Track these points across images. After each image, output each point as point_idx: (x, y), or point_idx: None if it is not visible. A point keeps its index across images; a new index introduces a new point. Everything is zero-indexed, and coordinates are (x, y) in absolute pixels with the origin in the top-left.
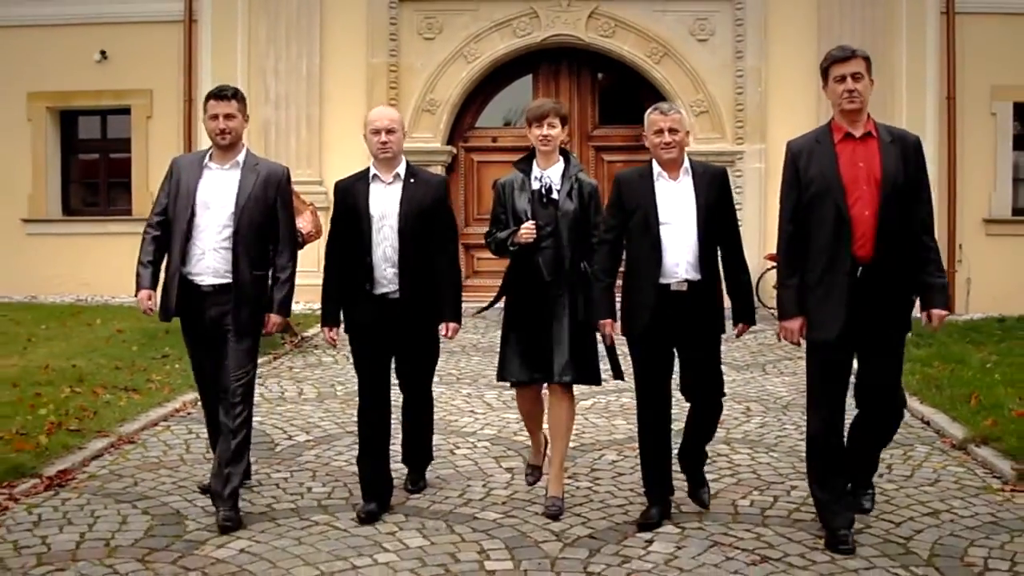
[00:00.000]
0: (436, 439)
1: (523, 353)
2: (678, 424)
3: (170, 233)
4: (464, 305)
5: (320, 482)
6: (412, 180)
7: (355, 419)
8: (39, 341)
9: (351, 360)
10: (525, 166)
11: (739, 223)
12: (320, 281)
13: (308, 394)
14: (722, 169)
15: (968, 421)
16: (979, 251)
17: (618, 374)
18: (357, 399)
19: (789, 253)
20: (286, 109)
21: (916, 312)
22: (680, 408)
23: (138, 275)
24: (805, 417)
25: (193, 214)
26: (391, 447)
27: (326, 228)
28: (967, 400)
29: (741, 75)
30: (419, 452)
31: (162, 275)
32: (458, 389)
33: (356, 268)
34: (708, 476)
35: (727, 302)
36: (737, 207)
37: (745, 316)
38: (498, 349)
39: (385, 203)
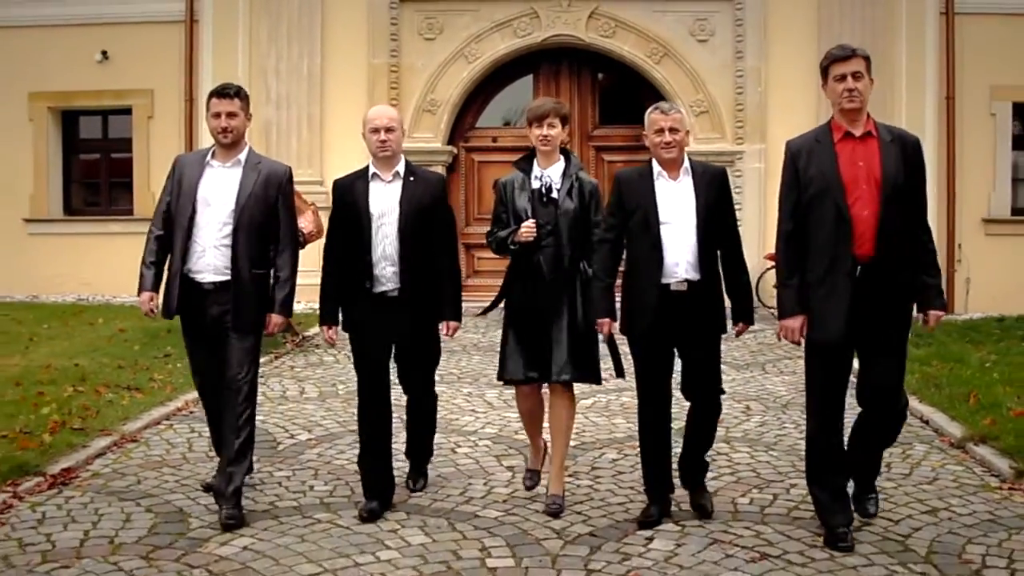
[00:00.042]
0: (437, 438)
1: (523, 352)
2: (678, 423)
3: (173, 231)
4: (464, 304)
5: (322, 480)
6: (412, 178)
7: (357, 418)
8: (41, 340)
9: (352, 359)
10: (526, 165)
11: (739, 223)
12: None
13: (310, 393)
14: (722, 169)
15: (967, 420)
16: (978, 251)
17: (620, 372)
18: (356, 398)
19: (789, 252)
20: (287, 109)
21: (914, 312)
22: (680, 407)
23: (141, 276)
24: (804, 416)
25: (194, 211)
26: (393, 444)
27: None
28: (966, 399)
29: (741, 75)
30: (421, 450)
31: (165, 273)
32: (459, 388)
33: (355, 267)
34: (708, 474)
35: (727, 302)
36: (737, 207)
37: (744, 316)
38: (498, 348)
39: (385, 202)
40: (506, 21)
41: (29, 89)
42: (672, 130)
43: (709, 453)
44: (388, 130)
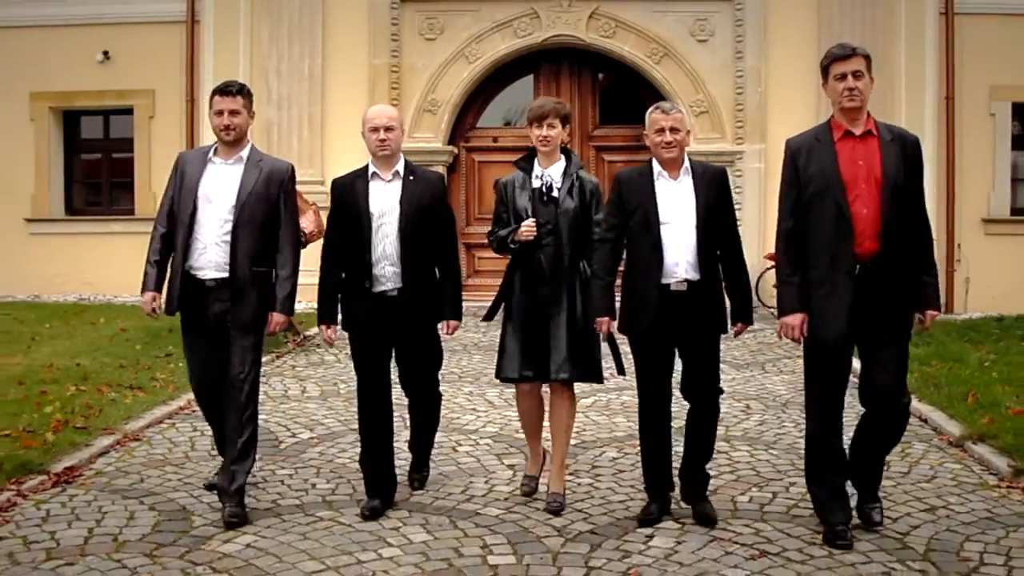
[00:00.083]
0: (438, 436)
1: (521, 351)
2: (678, 422)
3: (175, 228)
4: (465, 304)
5: (324, 479)
6: (411, 178)
7: (357, 417)
8: (43, 340)
9: (351, 359)
10: (526, 165)
11: (739, 223)
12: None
13: (311, 392)
14: (722, 169)
15: (965, 419)
16: (978, 251)
17: (621, 370)
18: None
19: (789, 250)
20: (288, 109)
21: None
22: (680, 406)
23: (145, 274)
24: (804, 415)
25: (195, 208)
26: (395, 443)
27: None
28: (964, 398)
29: (741, 75)
30: (424, 444)
31: (169, 270)
32: (460, 387)
33: (355, 266)
34: (708, 472)
35: (727, 302)
36: (737, 207)
37: (743, 316)
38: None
39: (385, 201)
40: (507, 21)
41: (30, 89)
42: (673, 130)
43: (711, 475)
44: (388, 129)
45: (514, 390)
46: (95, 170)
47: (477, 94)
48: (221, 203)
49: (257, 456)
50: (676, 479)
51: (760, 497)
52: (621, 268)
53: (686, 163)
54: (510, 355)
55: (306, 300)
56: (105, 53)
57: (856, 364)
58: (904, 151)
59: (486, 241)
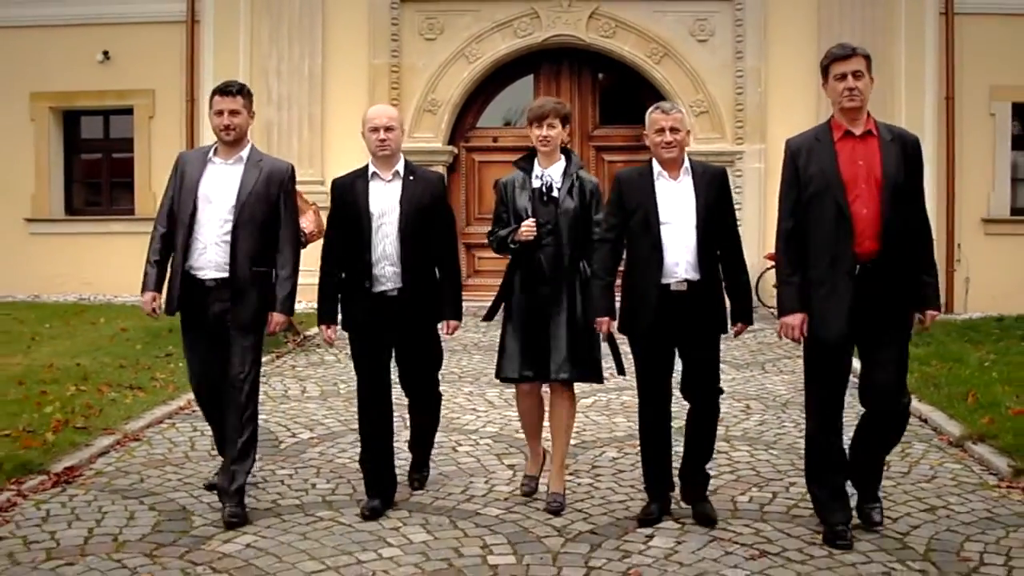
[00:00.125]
0: (438, 436)
1: (520, 351)
2: (678, 422)
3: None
4: (465, 304)
5: (324, 479)
6: (411, 178)
7: (357, 417)
8: (43, 340)
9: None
10: (526, 165)
11: (739, 223)
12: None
13: (311, 392)
14: (722, 169)
15: (965, 419)
16: (977, 251)
17: (621, 370)
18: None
19: (789, 250)
20: (288, 109)
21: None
22: (680, 406)
23: (145, 274)
24: (804, 415)
25: (195, 208)
26: (395, 443)
27: None
28: (964, 398)
29: (741, 75)
30: (424, 444)
31: (169, 270)
32: (460, 387)
33: (354, 266)
34: (708, 472)
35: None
36: (737, 207)
37: (743, 316)
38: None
39: (385, 201)
40: (507, 21)
41: (31, 89)
42: (673, 130)
43: (711, 476)
44: (388, 129)
45: (514, 390)
46: (95, 170)
47: (477, 94)
48: (221, 203)
49: (257, 456)
50: (676, 479)
51: (760, 497)
52: (621, 268)
53: (686, 163)
54: (510, 355)
55: (306, 300)
56: (105, 53)
57: (856, 364)
58: (904, 151)
59: (486, 241)
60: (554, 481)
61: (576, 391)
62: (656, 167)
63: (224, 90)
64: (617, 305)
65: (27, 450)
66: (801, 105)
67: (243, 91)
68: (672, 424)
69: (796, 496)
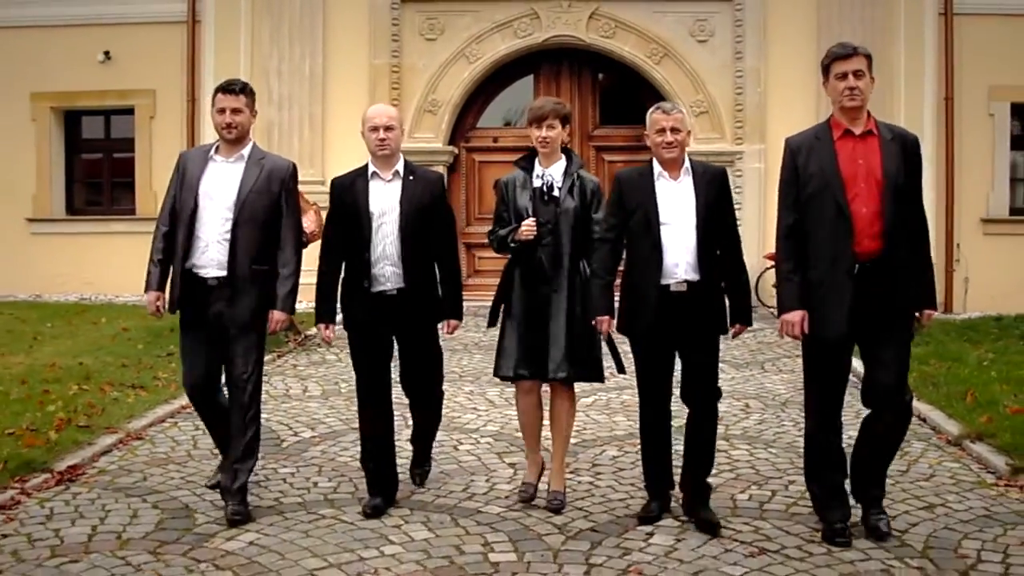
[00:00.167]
0: (439, 435)
1: (518, 350)
2: (678, 420)
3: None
4: (465, 304)
5: (326, 477)
6: (411, 177)
7: (358, 417)
8: (45, 339)
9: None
10: (527, 164)
11: (739, 223)
12: None
13: (313, 391)
14: (722, 169)
15: (964, 418)
16: (977, 250)
17: (621, 369)
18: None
19: (789, 247)
20: (289, 110)
21: None
22: (681, 405)
23: (148, 274)
24: (803, 414)
25: (196, 206)
26: (396, 441)
27: None
28: (963, 397)
29: (740, 75)
30: (425, 439)
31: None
32: (461, 386)
33: (354, 265)
34: (709, 484)
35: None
36: (737, 207)
37: (742, 316)
38: None
39: (385, 200)
40: (507, 22)
41: (32, 89)
42: (674, 130)
43: (713, 487)
44: (387, 128)
45: (515, 389)
46: (96, 170)
47: (477, 94)
48: (221, 201)
49: (260, 454)
50: (678, 489)
51: (759, 495)
52: (621, 268)
53: (686, 163)
54: (507, 354)
55: (307, 300)
56: (106, 53)
57: (856, 364)
58: (904, 150)
59: (486, 241)
60: (554, 479)
61: (576, 390)
62: (657, 167)
63: (227, 88)
64: (616, 305)
65: (30, 448)
66: (801, 105)
67: (246, 90)
68: (672, 423)
69: (795, 494)
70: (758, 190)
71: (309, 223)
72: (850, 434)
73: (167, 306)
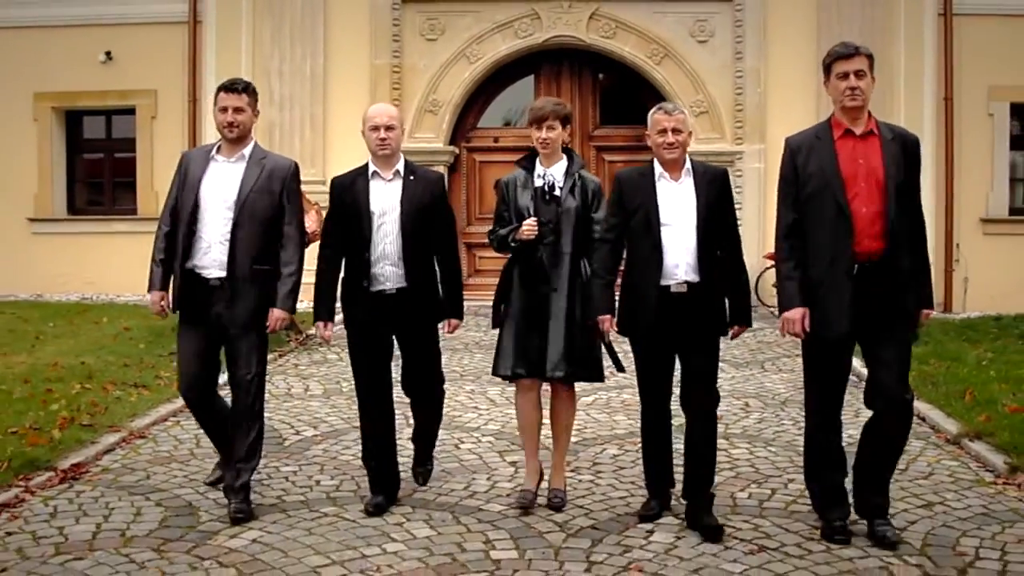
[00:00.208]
0: (441, 434)
1: (516, 348)
2: (679, 419)
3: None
4: (465, 303)
5: (328, 475)
6: (412, 177)
7: (359, 416)
8: (47, 339)
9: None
10: (528, 164)
11: (739, 223)
12: None
13: (314, 390)
14: (723, 170)
15: (962, 416)
16: (976, 250)
17: (619, 367)
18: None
19: (789, 245)
20: (290, 110)
21: None
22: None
23: (151, 273)
24: (802, 413)
25: (197, 206)
26: (397, 439)
27: None
28: (962, 396)
29: (740, 76)
30: (427, 437)
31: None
32: (461, 385)
33: (353, 265)
34: (713, 493)
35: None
36: (736, 207)
37: (741, 318)
38: None
39: (386, 200)
40: (507, 22)
41: (34, 89)
42: (675, 131)
43: (716, 495)
44: (388, 128)
45: (515, 388)
46: (97, 170)
47: (478, 94)
48: (222, 201)
49: (262, 453)
50: (678, 485)
51: (759, 493)
52: (621, 268)
53: (687, 164)
54: (504, 352)
55: (307, 299)
56: (107, 53)
57: (856, 364)
58: (905, 150)
59: (487, 240)
60: (555, 477)
61: (576, 389)
62: (658, 168)
63: (229, 87)
64: (616, 305)
65: (34, 447)
66: (800, 105)
67: (248, 89)
68: (673, 422)
69: (794, 492)
70: (758, 190)
71: (311, 223)
72: (850, 432)
73: (171, 305)
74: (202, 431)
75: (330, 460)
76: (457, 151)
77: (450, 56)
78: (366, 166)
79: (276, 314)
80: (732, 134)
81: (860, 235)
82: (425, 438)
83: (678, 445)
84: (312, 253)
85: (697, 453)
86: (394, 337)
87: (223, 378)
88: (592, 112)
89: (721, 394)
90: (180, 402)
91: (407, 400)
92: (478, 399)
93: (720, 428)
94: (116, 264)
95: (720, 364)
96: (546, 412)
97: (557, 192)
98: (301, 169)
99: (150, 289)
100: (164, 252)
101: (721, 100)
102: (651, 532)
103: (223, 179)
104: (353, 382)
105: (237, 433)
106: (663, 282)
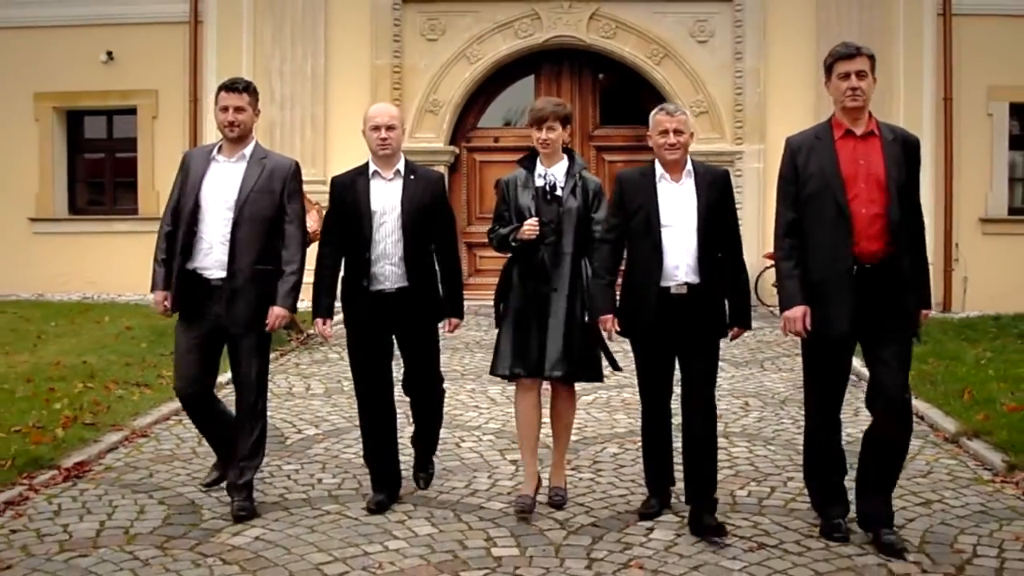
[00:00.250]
0: (442, 433)
1: (514, 348)
2: (678, 418)
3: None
4: (465, 303)
5: (330, 473)
6: (412, 177)
7: (359, 416)
8: (49, 338)
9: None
10: (529, 163)
11: (739, 223)
12: None
13: (316, 389)
14: (724, 171)
15: (961, 415)
16: (975, 250)
17: (615, 366)
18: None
19: (789, 244)
20: (291, 110)
21: None
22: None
23: (154, 273)
24: (802, 412)
25: (197, 206)
26: (399, 438)
27: None
28: (960, 395)
29: (740, 76)
30: (428, 440)
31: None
32: (462, 384)
33: (354, 264)
34: (716, 499)
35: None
36: (736, 207)
37: (741, 319)
38: None
39: (386, 200)
40: (508, 22)
41: (34, 89)
42: (677, 132)
43: (719, 500)
44: (389, 128)
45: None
46: (99, 170)
47: (478, 94)
48: (223, 201)
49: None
50: (678, 483)
51: (758, 492)
52: (622, 268)
53: (688, 165)
54: (503, 352)
55: (308, 299)
56: (109, 53)
57: (856, 364)
58: (905, 151)
59: (487, 240)
60: (555, 475)
61: (577, 388)
62: (659, 168)
63: (230, 86)
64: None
65: (37, 446)
66: (800, 105)
67: (249, 88)
68: (673, 421)
69: (794, 491)
70: (758, 190)
71: (312, 222)
72: (849, 431)
73: (173, 305)
74: None
75: (332, 458)
76: (457, 151)
77: (450, 56)
78: (366, 165)
79: (276, 311)
80: (732, 134)
81: (859, 236)
82: (426, 441)
83: (678, 444)
84: (312, 252)
85: (699, 457)
86: (394, 337)
87: (223, 378)
88: (592, 112)
89: (721, 393)
90: None
91: (407, 399)
92: (479, 398)
93: (720, 427)
94: (117, 264)
95: (720, 363)
96: (546, 411)
97: (558, 192)
98: (302, 169)
99: (153, 289)
100: (166, 252)
101: (721, 100)
102: (651, 530)
103: (224, 179)
104: (353, 381)
105: (240, 432)
106: (663, 283)
